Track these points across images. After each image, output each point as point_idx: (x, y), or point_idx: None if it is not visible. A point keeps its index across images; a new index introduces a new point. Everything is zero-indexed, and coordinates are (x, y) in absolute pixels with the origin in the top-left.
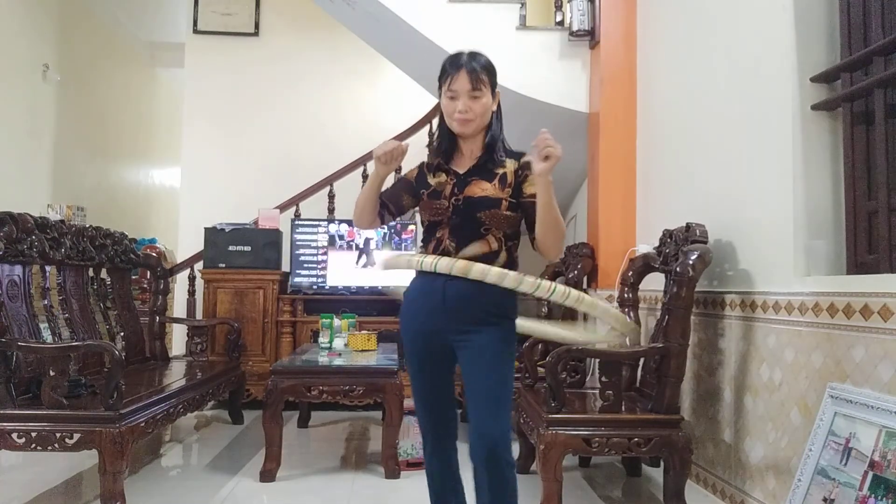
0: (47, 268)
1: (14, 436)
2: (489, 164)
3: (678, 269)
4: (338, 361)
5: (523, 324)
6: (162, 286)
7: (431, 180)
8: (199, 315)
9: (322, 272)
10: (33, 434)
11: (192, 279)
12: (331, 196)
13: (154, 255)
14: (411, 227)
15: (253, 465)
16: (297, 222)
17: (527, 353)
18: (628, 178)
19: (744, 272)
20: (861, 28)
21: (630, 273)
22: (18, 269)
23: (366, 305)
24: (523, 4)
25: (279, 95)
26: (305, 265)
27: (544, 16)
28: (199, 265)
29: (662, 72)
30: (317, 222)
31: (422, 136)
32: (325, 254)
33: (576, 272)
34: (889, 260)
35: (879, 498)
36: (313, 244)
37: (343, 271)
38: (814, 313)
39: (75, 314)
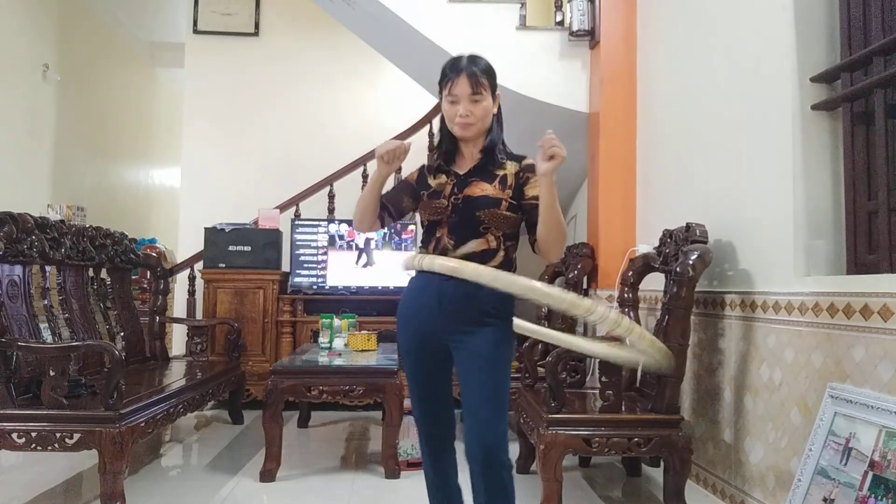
0: (47, 268)
1: (14, 436)
2: (489, 166)
3: (678, 269)
4: (338, 361)
5: (558, 336)
6: (162, 286)
7: (432, 182)
8: (199, 315)
9: (322, 272)
10: (33, 434)
11: (192, 279)
12: (331, 196)
13: (154, 255)
14: (411, 227)
15: (253, 465)
16: (297, 222)
17: (527, 354)
18: (628, 178)
19: (744, 272)
20: (861, 28)
21: (630, 273)
22: (18, 269)
23: (366, 305)
24: (523, 4)
25: (279, 95)
26: (305, 265)
27: (544, 16)
28: (199, 265)
29: (662, 72)
30: (317, 222)
31: (422, 136)
32: (325, 254)
33: (576, 272)
34: (889, 260)
35: (879, 498)
36: (313, 244)
37: (343, 271)
38: (814, 313)
39: (75, 314)
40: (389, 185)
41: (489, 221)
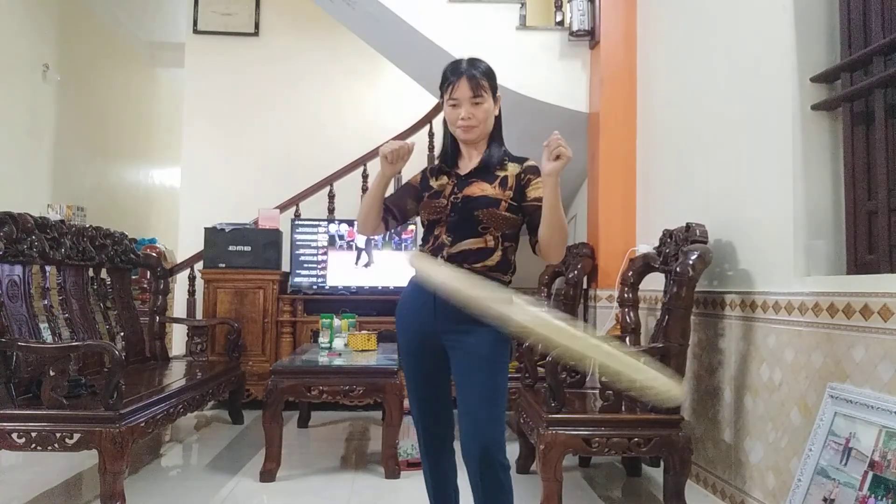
0: (47, 268)
1: (14, 436)
2: (491, 167)
3: (678, 269)
4: (338, 361)
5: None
6: (162, 286)
7: (433, 183)
8: (199, 315)
9: (322, 272)
10: (33, 434)
11: (192, 279)
12: (331, 196)
13: (154, 255)
14: (411, 227)
15: (253, 465)
16: (297, 222)
17: (527, 354)
18: (628, 178)
19: (744, 272)
20: (861, 28)
21: (630, 273)
22: (18, 269)
23: (366, 305)
24: (523, 4)
25: (279, 95)
26: (305, 265)
27: (544, 16)
28: (199, 265)
29: (662, 72)
30: (317, 222)
31: (422, 136)
32: (325, 254)
33: (576, 272)
34: (889, 260)
35: (879, 498)
36: (313, 244)
37: (343, 271)
38: (814, 313)
39: (75, 314)
40: (390, 190)
41: (488, 221)
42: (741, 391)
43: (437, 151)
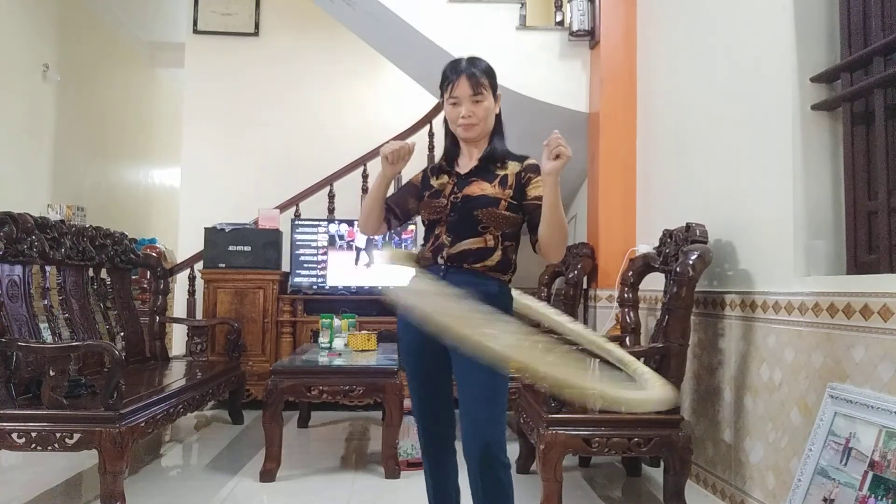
0: (47, 268)
1: (14, 436)
2: (491, 166)
3: (678, 269)
4: (338, 361)
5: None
6: (162, 286)
7: (434, 182)
8: (199, 315)
9: (322, 272)
10: (33, 434)
11: (192, 279)
12: (331, 196)
13: (154, 255)
14: (411, 227)
15: (253, 465)
16: (297, 222)
17: None
18: (628, 178)
19: (744, 272)
20: (861, 28)
21: (630, 273)
22: (18, 269)
23: (366, 305)
24: (523, 4)
25: (279, 95)
26: (305, 265)
27: (544, 16)
28: (199, 265)
29: (662, 72)
30: (317, 222)
31: (422, 136)
32: (325, 254)
33: (576, 272)
34: (889, 260)
35: (879, 498)
36: (313, 244)
37: (343, 271)
38: (814, 313)
39: (75, 314)
40: (391, 189)
41: (487, 221)
42: (741, 391)
43: (437, 151)
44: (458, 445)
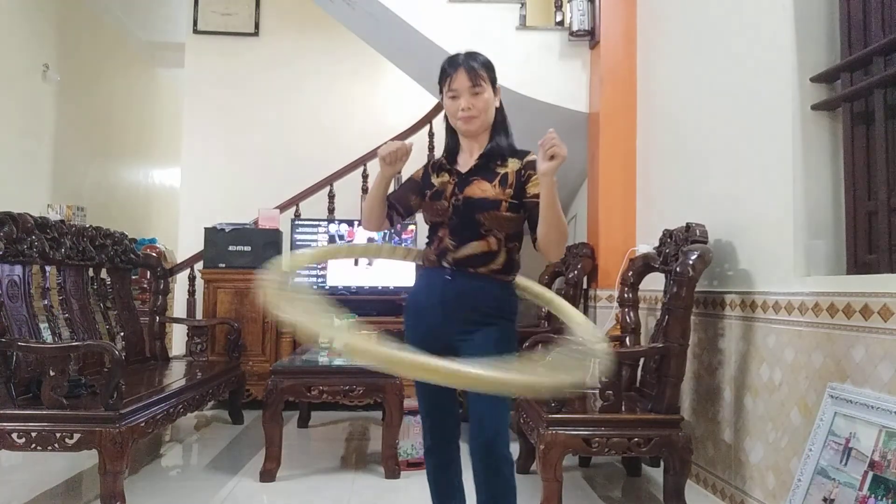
0: (47, 268)
1: (14, 436)
2: (491, 163)
3: (678, 269)
4: (338, 361)
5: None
6: (162, 286)
7: (435, 180)
8: (199, 315)
9: (322, 272)
10: (33, 434)
11: (192, 279)
12: (331, 196)
13: (154, 255)
14: (411, 227)
15: (253, 465)
16: (297, 222)
17: (527, 353)
18: (628, 178)
19: (744, 272)
20: (861, 28)
21: (630, 273)
22: (18, 269)
23: (366, 305)
24: (523, 4)
25: (279, 95)
26: (305, 265)
27: (544, 16)
28: (199, 265)
29: (662, 72)
30: (317, 222)
31: (422, 136)
32: None
33: (576, 272)
34: (889, 260)
35: (879, 498)
36: (313, 244)
37: (343, 271)
38: (814, 313)
39: (75, 314)
40: (392, 186)
41: (490, 224)
42: (741, 391)
43: (437, 152)
44: (462, 445)
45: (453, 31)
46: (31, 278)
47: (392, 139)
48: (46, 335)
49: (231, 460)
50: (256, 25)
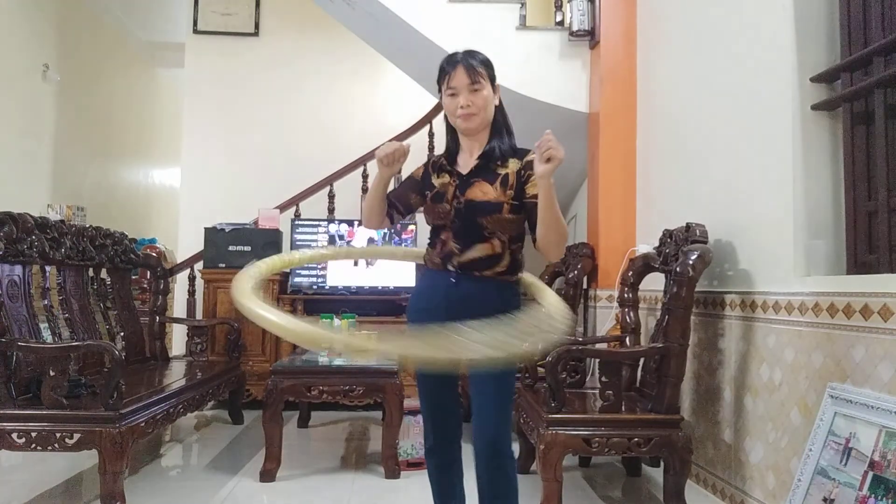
0: (47, 268)
1: (14, 436)
2: (491, 164)
3: (678, 269)
4: (338, 361)
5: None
6: (162, 286)
7: (435, 180)
8: (199, 315)
9: (322, 272)
10: (33, 434)
11: (192, 279)
12: (331, 196)
13: (154, 255)
14: (411, 227)
15: (253, 465)
16: (297, 222)
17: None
18: (628, 178)
19: (744, 272)
20: (861, 28)
21: (630, 273)
22: (18, 269)
23: (366, 305)
24: (523, 4)
25: (279, 95)
26: (305, 265)
27: (544, 16)
28: (199, 265)
29: (662, 72)
30: (317, 222)
31: (422, 136)
32: None
33: (576, 272)
34: (889, 260)
35: (879, 498)
36: (313, 244)
37: (343, 271)
38: (814, 313)
39: (75, 314)
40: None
41: (493, 227)
42: (741, 391)
43: (437, 152)
44: (464, 445)
45: (453, 31)
46: (31, 278)
47: (392, 139)
48: (46, 335)
49: (231, 460)
50: (256, 25)
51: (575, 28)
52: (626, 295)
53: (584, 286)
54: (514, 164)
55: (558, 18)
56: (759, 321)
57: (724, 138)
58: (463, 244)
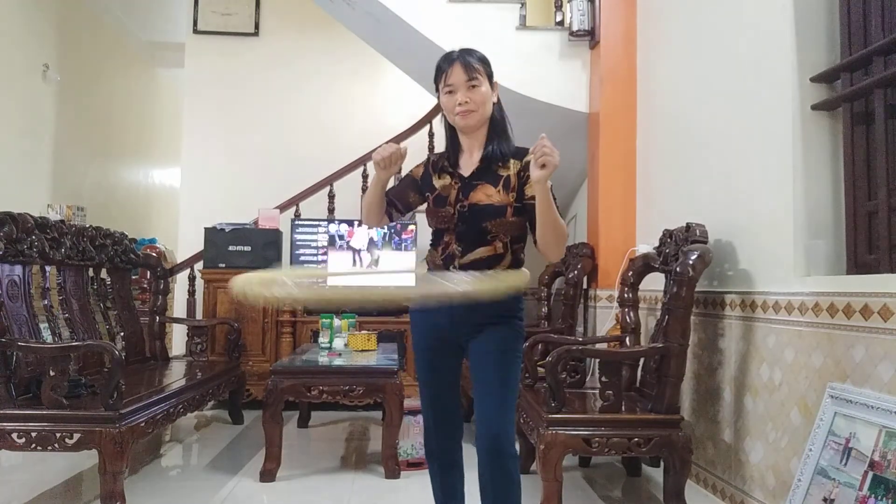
0: (47, 268)
1: (14, 436)
2: (493, 165)
3: (678, 269)
4: (338, 361)
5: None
6: (162, 286)
7: (436, 182)
8: (199, 315)
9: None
10: (33, 434)
11: (192, 279)
12: (331, 196)
13: (154, 255)
14: (411, 227)
15: (253, 465)
16: (297, 222)
17: (526, 353)
18: (628, 178)
19: (744, 272)
20: (861, 28)
21: (630, 273)
22: (18, 269)
23: (366, 305)
24: (523, 4)
25: (279, 95)
26: (305, 265)
27: (544, 16)
28: (199, 265)
29: (662, 72)
30: (317, 222)
31: (422, 137)
32: (325, 254)
33: (576, 272)
34: (889, 260)
35: (879, 498)
36: (313, 244)
37: (343, 271)
38: (814, 313)
39: (75, 314)
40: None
41: (496, 230)
42: (741, 391)
43: (437, 152)
44: (465, 445)
45: (453, 31)
46: (31, 278)
47: (391, 140)
48: (46, 335)
49: (231, 460)
50: (256, 25)
51: (575, 28)
52: (626, 295)
53: (584, 286)
54: (514, 166)
55: (558, 18)
56: (759, 321)
57: (724, 138)
58: (465, 247)
